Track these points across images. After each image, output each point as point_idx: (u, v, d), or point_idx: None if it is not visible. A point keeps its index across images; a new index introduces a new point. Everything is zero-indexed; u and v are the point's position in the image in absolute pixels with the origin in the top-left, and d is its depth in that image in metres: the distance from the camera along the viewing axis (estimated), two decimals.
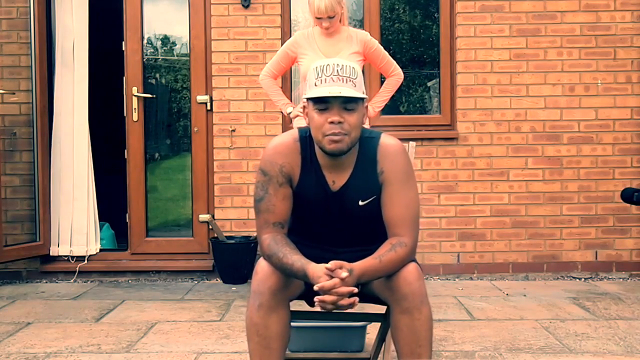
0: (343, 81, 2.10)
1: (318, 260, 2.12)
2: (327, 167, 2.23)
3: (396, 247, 2.12)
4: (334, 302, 1.99)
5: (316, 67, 2.15)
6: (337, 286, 1.99)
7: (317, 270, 2.03)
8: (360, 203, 2.22)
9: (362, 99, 2.15)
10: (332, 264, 2.03)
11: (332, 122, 2.09)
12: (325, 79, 2.10)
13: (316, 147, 2.22)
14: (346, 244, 2.30)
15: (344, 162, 2.21)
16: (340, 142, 2.11)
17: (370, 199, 2.22)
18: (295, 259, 2.09)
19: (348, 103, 2.11)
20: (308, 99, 2.15)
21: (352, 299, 2.00)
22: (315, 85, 2.12)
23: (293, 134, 2.28)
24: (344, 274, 2.00)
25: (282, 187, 2.21)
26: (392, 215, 2.19)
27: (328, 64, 2.13)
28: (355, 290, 2.01)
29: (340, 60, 2.17)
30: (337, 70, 2.11)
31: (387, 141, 2.25)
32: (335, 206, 2.25)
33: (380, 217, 2.23)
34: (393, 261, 2.11)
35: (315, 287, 1.99)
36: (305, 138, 2.24)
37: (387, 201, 2.20)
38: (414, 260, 2.19)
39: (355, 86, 2.11)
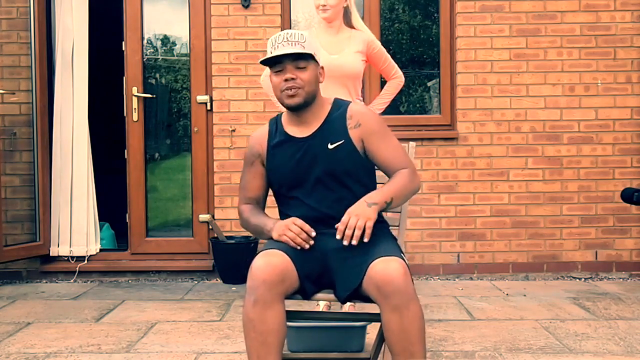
0: (292, 45, 2.37)
1: (305, 219, 2.36)
2: (294, 126, 2.47)
3: (400, 172, 2.39)
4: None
5: (270, 39, 2.42)
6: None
7: (273, 223, 2.38)
8: (330, 146, 2.41)
9: (312, 58, 2.40)
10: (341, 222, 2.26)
11: (286, 80, 2.38)
12: (278, 46, 2.38)
13: (283, 116, 2.52)
14: (328, 206, 2.40)
15: (311, 119, 2.45)
16: (296, 95, 2.39)
17: (339, 143, 2.41)
18: (264, 218, 2.45)
19: (298, 61, 2.38)
20: (267, 66, 2.41)
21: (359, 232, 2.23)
22: (270, 52, 2.40)
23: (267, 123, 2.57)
24: (313, 233, 2.31)
25: (254, 167, 2.53)
26: (386, 158, 2.43)
27: (279, 34, 2.40)
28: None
29: (290, 30, 2.44)
30: (287, 37, 2.38)
31: (357, 104, 2.55)
32: (306, 155, 2.42)
33: (353, 167, 2.41)
34: (404, 178, 2.37)
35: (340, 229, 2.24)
36: (274, 119, 2.54)
37: (376, 149, 2.43)
38: (403, 259, 2.21)
39: (304, 48, 2.38)
